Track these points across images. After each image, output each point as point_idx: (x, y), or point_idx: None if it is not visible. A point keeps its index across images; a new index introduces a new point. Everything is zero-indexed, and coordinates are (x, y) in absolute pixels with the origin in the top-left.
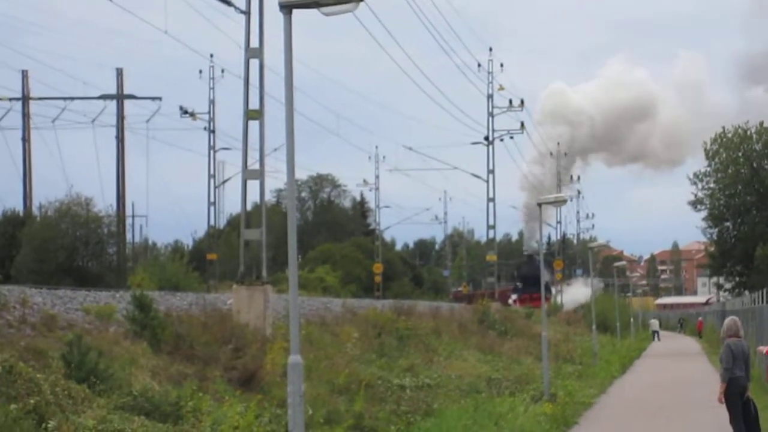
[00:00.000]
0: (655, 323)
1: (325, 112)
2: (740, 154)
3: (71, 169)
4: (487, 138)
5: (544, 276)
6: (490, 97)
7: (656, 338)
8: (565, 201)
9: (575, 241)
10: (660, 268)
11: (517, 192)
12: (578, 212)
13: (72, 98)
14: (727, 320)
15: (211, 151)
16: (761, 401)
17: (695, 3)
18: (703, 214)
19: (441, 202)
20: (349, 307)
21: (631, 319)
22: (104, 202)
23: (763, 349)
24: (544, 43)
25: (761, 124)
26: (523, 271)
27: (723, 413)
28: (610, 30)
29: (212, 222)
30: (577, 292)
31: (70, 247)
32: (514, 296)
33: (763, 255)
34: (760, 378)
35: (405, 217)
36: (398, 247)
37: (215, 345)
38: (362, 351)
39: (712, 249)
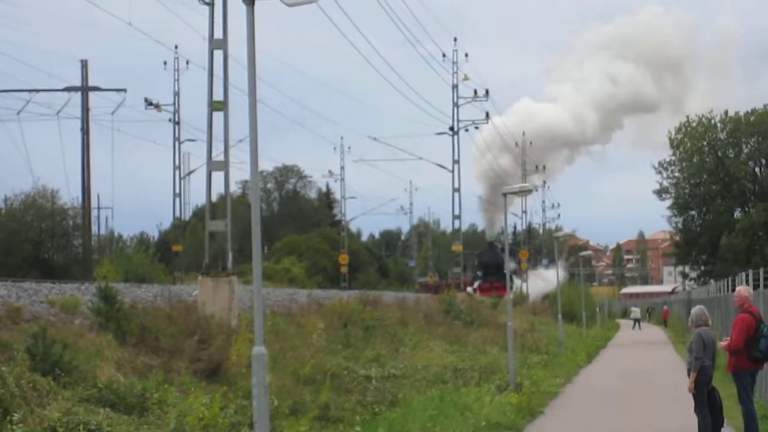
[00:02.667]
0: (636, 311)
1: (290, 103)
2: (705, 143)
3: (36, 162)
4: (452, 128)
5: (512, 266)
6: (455, 87)
7: (637, 326)
8: (530, 191)
9: (541, 231)
10: (626, 257)
11: (478, 179)
12: (544, 202)
13: (36, 90)
14: (695, 309)
15: (176, 143)
16: (726, 389)
17: None
18: (669, 203)
19: (406, 193)
20: (315, 298)
21: (597, 309)
22: (70, 195)
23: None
24: (509, 33)
25: (726, 113)
26: (484, 259)
27: (688, 401)
28: (577, 20)
29: (178, 213)
30: (539, 283)
31: (36, 240)
32: (474, 285)
33: (727, 243)
34: (725, 367)
35: (371, 208)
36: (364, 237)
37: (180, 337)
38: (328, 342)
39: (677, 238)
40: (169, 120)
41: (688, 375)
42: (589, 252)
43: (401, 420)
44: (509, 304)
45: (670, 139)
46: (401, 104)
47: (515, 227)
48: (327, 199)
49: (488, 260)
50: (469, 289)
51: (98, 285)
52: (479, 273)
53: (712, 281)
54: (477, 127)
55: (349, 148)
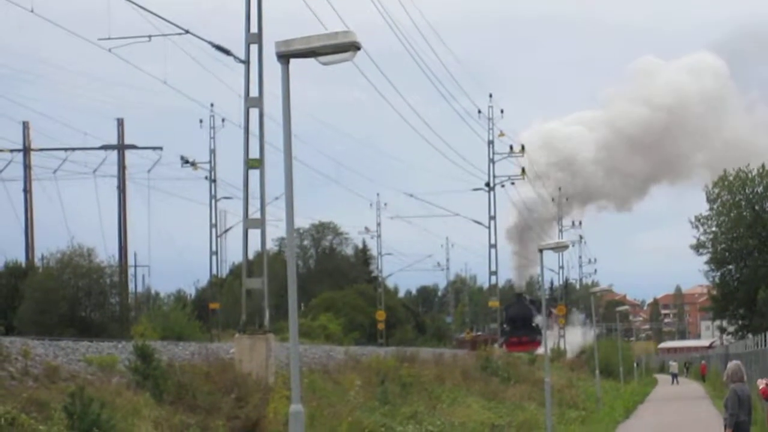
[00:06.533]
0: (674, 366)
1: (325, 160)
2: (742, 197)
3: (73, 220)
4: (488, 184)
5: (541, 320)
6: (490, 143)
7: (675, 381)
8: (566, 246)
9: (578, 286)
10: (663, 311)
11: (508, 233)
12: (580, 257)
13: (73, 149)
14: (731, 365)
15: (213, 201)
16: None
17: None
18: (706, 257)
19: (443, 249)
20: (351, 355)
21: (635, 364)
22: (106, 253)
23: (762, 382)
24: (544, 89)
25: (763, 166)
26: (511, 312)
27: None
28: (612, 77)
29: (214, 271)
30: (574, 338)
31: (73, 298)
32: (500, 339)
33: (765, 298)
34: (764, 422)
35: (407, 264)
36: (401, 294)
37: (218, 394)
38: (365, 399)
39: (714, 292)
40: (206, 178)
41: (725, 431)
42: (626, 307)
43: None
44: (546, 360)
45: (706, 193)
46: (437, 160)
47: (551, 282)
48: (363, 256)
49: (516, 313)
50: (496, 343)
51: (135, 343)
52: (506, 327)
53: (749, 336)
54: (513, 183)
55: (385, 204)
